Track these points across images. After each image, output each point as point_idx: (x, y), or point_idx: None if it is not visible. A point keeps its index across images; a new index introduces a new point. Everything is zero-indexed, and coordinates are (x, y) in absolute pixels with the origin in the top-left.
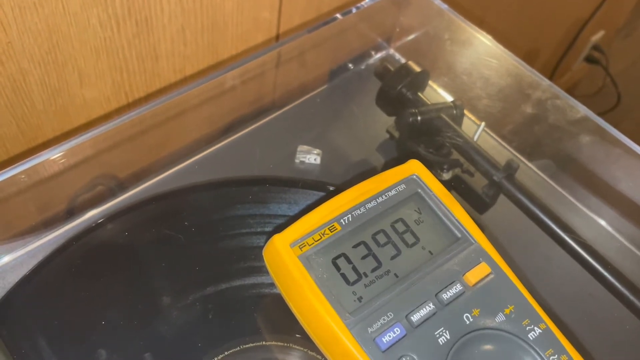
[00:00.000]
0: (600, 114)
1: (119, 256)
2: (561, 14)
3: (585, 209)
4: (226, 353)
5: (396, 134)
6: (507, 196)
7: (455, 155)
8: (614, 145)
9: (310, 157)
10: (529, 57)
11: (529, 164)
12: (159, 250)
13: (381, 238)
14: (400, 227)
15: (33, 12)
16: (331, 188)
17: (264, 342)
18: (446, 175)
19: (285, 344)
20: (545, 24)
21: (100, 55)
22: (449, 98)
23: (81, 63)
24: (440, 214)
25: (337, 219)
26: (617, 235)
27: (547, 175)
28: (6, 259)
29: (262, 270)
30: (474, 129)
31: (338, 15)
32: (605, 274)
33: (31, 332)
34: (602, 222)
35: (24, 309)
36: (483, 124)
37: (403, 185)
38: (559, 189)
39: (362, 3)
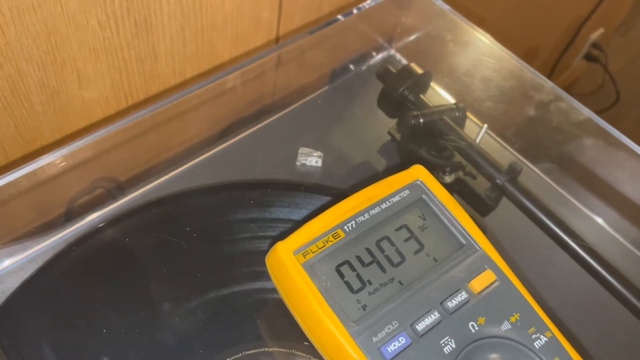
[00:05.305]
0: (599, 112)
1: (120, 262)
2: (560, 11)
3: (589, 212)
4: (228, 359)
5: (398, 136)
6: (511, 199)
7: (458, 157)
8: (618, 148)
9: (311, 159)
10: (528, 55)
11: (532, 166)
12: (161, 255)
13: (385, 245)
14: (404, 233)
15: (31, 13)
16: (335, 192)
17: (266, 349)
18: (448, 178)
19: (288, 351)
20: (544, 22)
21: (99, 55)
22: (450, 99)
23: (80, 64)
24: (445, 221)
25: (341, 226)
26: (621, 239)
27: (550, 178)
28: (6, 262)
29: (264, 275)
30: (476, 131)
31: (339, 17)
32: (610, 278)
33: (31, 339)
34: (606, 226)
35: (25, 314)
36: (485, 126)
37: (407, 191)
38: (562, 192)
39: (364, 4)
